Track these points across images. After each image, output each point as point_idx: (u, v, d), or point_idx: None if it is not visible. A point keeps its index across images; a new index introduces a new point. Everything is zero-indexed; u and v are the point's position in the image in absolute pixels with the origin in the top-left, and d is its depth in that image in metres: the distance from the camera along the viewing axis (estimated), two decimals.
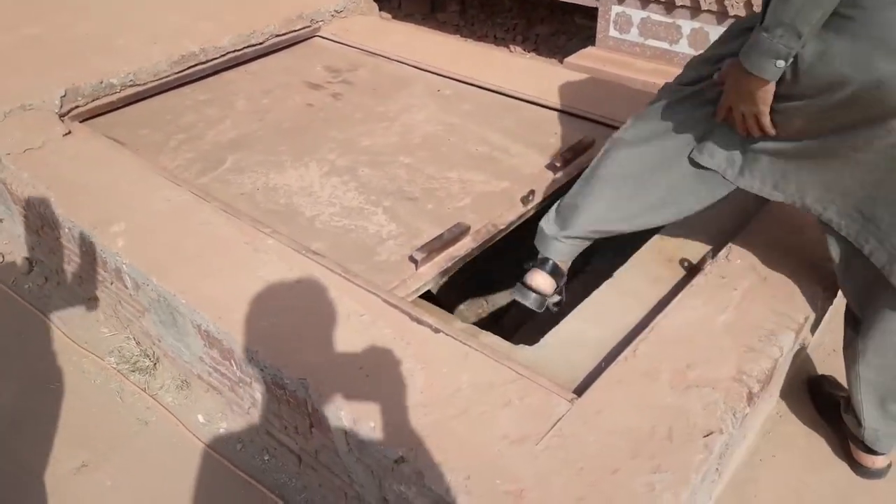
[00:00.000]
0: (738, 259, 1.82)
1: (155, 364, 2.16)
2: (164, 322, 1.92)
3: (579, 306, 1.76)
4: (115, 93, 2.70)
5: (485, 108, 2.70)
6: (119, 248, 1.92)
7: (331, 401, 1.47)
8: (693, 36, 3.23)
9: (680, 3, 3.16)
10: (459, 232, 2.00)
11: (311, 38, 3.31)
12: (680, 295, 1.72)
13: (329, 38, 3.28)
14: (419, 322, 1.65)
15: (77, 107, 2.60)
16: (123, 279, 1.96)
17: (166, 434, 1.98)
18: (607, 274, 1.88)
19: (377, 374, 1.51)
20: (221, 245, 1.91)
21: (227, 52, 2.99)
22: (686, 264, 1.89)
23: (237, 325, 1.66)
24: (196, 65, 2.90)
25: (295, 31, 3.23)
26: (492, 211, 2.12)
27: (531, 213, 2.17)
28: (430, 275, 1.91)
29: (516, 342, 1.69)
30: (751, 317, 1.66)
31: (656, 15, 3.31)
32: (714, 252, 1.88)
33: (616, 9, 3.38)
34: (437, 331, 1.62)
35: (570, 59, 3.61)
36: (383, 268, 1.92)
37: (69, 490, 1.85)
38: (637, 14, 3.36)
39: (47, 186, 2.17)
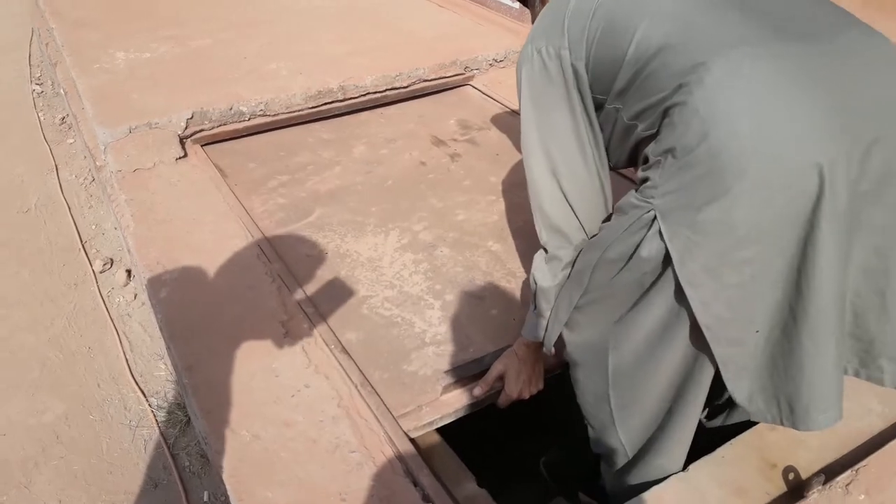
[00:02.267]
0: (861, 493, 1.31)
1: (188, 422, 2.04)
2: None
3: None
4: (244, 121, 2.66)
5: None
6: (159, 300, 1.81)
7: None
8: None
9: None
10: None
11: (462, 86, 3.09)
12: None
13: (479, 90, 3.03)
14: (413, 482, 1.35)
15: (202, 130, 2.58)
16: (161, 332, 1.86)
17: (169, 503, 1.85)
18: None
19: None
20: (255, 317, 1.74)
21: (367, 93, 2.85)
22: (792, 477, 1.39)
23: (220, 427, 1.46)
24: (332, 102, 2.79)
25: (445, 77, 3.03)
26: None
27: None
28: (453, 406, 1.55)
29: None
30: None
31: None
32: (834, 471, 1.37)
33: None
34: (427, 500, 1.31)
35: None
36: (407, 381, 1.62)
37: None
38: None
39: (132, 214, 2.14)
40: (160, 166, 2.40)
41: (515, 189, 2.36)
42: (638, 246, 1.16)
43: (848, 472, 1.35)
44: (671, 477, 1.42)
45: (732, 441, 1.49)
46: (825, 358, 1.11)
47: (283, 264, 1.94)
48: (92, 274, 2.67)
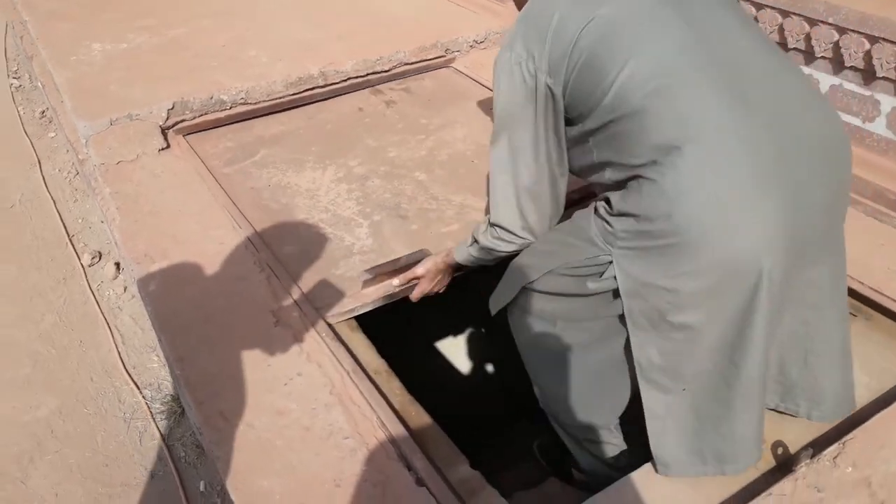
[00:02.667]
0: (849, 465, 1.34)
1: (182, 413, 2.06)
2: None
3: (608, 488, 1.38)
4: (225, 109, 2.64)
5: None
6: (148, 293, 1.82)
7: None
8: (894, 116, 2.60)
9: (882, 75, 2.55)
10: (418, 259, 1.83)
11: (443, 68, 3.08)
12: None
13: (461, 71, 3.02)
14: (407, 466, 1.37)
15: (184, 120, 2.56)
16: (153, 325, 1.87)
17: (166, 494, 1.87)
18: None
19: None
20: (245, 308, 1.75)
21: (349, 78, 2.84)
22: (780, 452, 1.42)
23: (213, 418, 1.47)
24: (313, 88, 2.77)
25: (427, 60, 3.02)
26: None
27: None
28: (371, 297, 1.79)
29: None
30: None
31: (850, 84, 2.71)
32: (821, 445, 1.40)
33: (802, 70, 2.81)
34: (420, 484, 1.33)
35: None
36: (334, 282, 1.85)
37: None
38: (826, 79, 2.77)
39: (117, 207, 2.13)
40: (143, 158, 2.39)
41: (443, 129, 2.59)
42: (588, 277, 1.32)
43: (835, 446, 1.38)
44: None
45: None
46: (753, 414, 1.28)
47: (264, 246, 1.95)
48: (80, 268, 2.66)
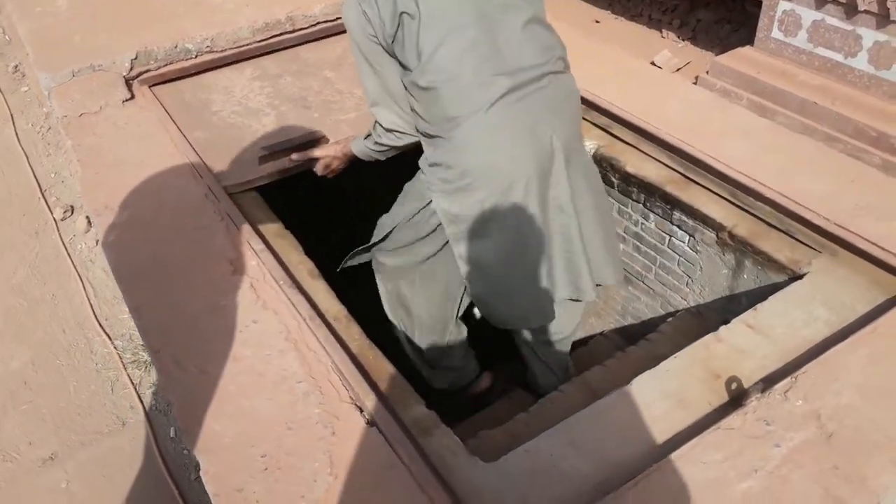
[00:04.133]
0: (799, 399, 1.34)
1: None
2: None
3: (563, 423, 1.38)
4: (190, 58, 2.59)
5: None
6: (108, 244, 1.81)
7: None
8: (876, 50, 2.54)
9: (864, 8, 2.48)
10: (312, 140, 2.12)
11: None
12: (696, 440, 1.29)
13: None
14: (359, 407, 1.37)
15: (148, 70, 2.52)
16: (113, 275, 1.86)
17: (137, 441, 1.89)
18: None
19: None
20: (204, 257, 1.74)
21: (318, 23, 2.77)
22: (734, 387, 1.42)
23: (168, 365, 1.48)
24: (281, 34, 2.71)
25: None
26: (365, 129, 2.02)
27: None
28: (268, 171, 2.06)
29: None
30: (788, 494, 1.20)
31: (832, 18, 2.64)
32: (773, 380, 1.40)
33: (784, 5, 2.74)
34: (371, 424, 1.34)
35: (721, 58, 3.01)
36: (238, 159, 2.10)
37: (27, 483, 1.81)
38: (809, 14, 2.70)
39: (79, 159, 2.11)
40: (107, 109, 2.35)
41: None
42: (421, 222, 1.81)
43: (787, 380, 1.37)
44: (615, 391, 1.45)
45: (678, 354, 1.52)
46: (540, 282, 1.78)
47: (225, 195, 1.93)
48: (53, 222, 2.65)
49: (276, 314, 1.58)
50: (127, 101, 2.39)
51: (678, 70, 3.19)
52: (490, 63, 1.60)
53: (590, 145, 2.18)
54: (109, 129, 2.24)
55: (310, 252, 1.85)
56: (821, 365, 1.40)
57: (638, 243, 2.22)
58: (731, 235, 1.84)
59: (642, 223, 2.16)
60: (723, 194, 1.90)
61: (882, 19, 2.45)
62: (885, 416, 1.31)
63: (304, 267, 1.77)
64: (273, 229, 1.90)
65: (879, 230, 1.69)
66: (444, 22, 1.58)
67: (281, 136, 2.18)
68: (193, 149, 2.12)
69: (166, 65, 2.55)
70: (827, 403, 1.33)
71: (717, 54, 3.17)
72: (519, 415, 1.83)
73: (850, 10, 2.59)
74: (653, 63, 3.21)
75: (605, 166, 2.16)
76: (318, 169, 2.03)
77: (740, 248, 1.84)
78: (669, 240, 2.08)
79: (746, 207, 1.85)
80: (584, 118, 2.04)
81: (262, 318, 1.57)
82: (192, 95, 2.45)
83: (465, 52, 1.58)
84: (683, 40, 3.45)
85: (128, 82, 2.46)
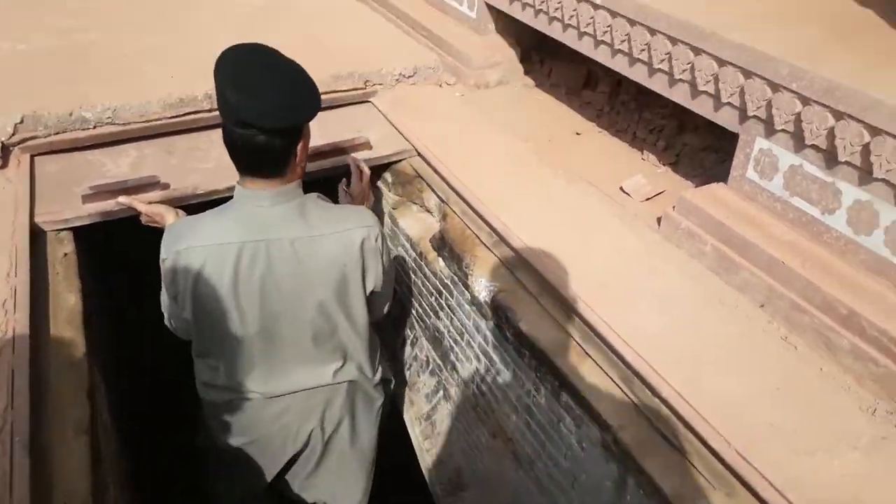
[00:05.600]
0: None
1: None
2: None
3: None
4: (87, 129, 2.34)
5: None
6: None
7: None
8: (856, 211, 2.15)
9: (845, 159, 2.11)
10: (147, 182, 2.07)
11: (362, 102, 2.73)
12: None
13: (379, 109, 2.66)
14: None
15: (35, 137, 2.26)
16: None
17: None
18: None
19: None
20: None
21: None
22: None
23: None
24: (197, 112, 2.45)
25: (340, 91, 2.67)
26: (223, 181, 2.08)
27: None
28: (88, 211, 1.98)
29: None
30: None
31: (811, 166, 2.27)
32: None
33: (761, 143, 2.38)
34: None
35: (690, 194, 2.65)
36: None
37: None
38: (786, 158, 2.34)
39: None
40: None
41: None
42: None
43: None
44: None
45: None
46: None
47: None
48: None
49: None
50: None
51: (648, 199, 2.84)
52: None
53: (489, 287, 1.83)
54: None
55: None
56: None
57: (528, 418, 1.81)
58: (616, 441, 1.43)
59: (534, 395, 1.76)
60: (616, 380, 1.51)
61: (864, 175, 2.08)
62: None
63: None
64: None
65: (797, 467, 1.27)
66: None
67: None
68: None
69: (57, 133, 2.30)
70: None
71: (696, 185, 2.82)
72: None
73: (831, 159, 2.23)
74: (621, 189, 2.87)
75: (501, 317, 1.80)
76: (143, 219, 1.98)
77: (623, 460, 1.42)
78: (558, 424, 1.67)
79: (639, 403, 1.45)
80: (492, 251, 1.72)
81: None
82: (74, 173, 2.20)
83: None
84: (664, 165, 3.09)
85: (5, 148, 2.21)
